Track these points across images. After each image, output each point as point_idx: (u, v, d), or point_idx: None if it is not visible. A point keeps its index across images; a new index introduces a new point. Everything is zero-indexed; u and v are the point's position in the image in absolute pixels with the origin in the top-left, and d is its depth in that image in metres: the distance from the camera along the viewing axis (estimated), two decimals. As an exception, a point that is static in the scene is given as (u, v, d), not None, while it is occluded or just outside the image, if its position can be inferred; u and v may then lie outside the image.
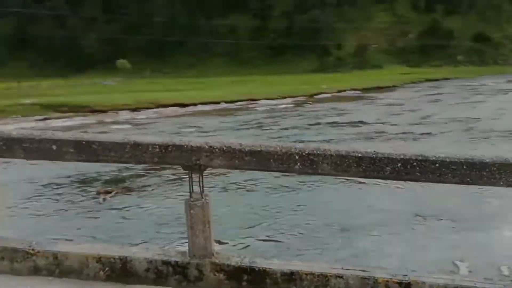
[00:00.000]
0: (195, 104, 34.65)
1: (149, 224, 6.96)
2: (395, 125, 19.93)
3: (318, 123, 21.76)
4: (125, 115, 28.53)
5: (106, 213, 7.56)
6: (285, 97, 38.27)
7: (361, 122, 21.37)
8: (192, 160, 2.48)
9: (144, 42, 79.17)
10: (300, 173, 2.60)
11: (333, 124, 21.38)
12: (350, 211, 7.44)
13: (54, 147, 2.48)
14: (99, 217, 7.38)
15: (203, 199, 2.47)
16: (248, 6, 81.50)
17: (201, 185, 2.48)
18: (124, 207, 7.79)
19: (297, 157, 2.39)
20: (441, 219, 6.89)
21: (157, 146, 2.49)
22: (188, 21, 78.14)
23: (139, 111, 30.19)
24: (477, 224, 6.59)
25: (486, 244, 5.85)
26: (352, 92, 43.25)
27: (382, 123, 20.86)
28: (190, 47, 78.74)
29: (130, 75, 65.68)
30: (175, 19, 78.46)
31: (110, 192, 7.83)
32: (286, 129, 20.37)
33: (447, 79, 56.31)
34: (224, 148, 2.50)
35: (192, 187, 2.49)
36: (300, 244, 6.04)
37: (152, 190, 9.06)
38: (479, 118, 20.47)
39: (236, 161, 2.49)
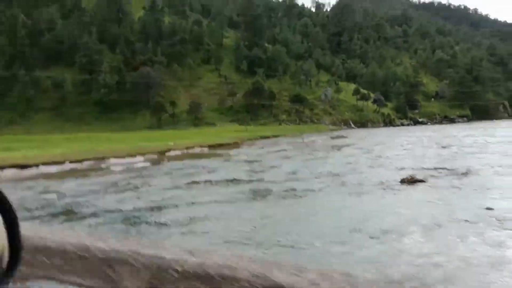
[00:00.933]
0: (36, 165, 30.45)
1: None
2: (273, 181, 20.76)
3: (196, 182, 21.29)
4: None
5: None
6: (134, 155, 36.51)
7: (235, 179, 21.65)
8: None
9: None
10: None
11: (211, 182, 21.18)
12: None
13: None
14: None
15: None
16: (73, 59, 77.00)
17: None
18: None
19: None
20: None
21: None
22: (6, 72, 69.72)
23: (-33, 176, 25.15)
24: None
25: None
26: (200, 149, 43.78)
27: (258, 180, 21.49)
28: (9, 102, 69.82)
29: None
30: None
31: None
32: (168, 189, 19.41)
33: (276, 136, 61.63)
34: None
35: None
36: None
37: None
38: (339, 173, 22.72)
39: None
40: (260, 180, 21.33)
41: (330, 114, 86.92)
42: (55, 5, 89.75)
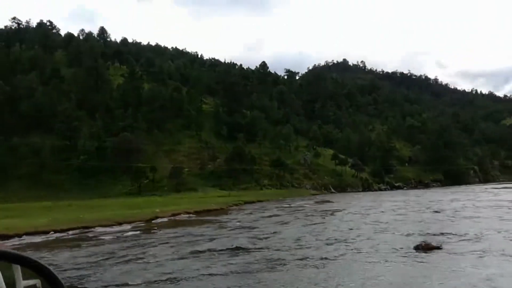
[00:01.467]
0: (19, 235, 28.58)
1: None
2: (282, 249, 19.83)
3: (199, 251, 20.19)
4: None
5: None
6: (121, 223, 34.94)
7: (240, 248, 20.64)
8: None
9: None
10: None
11: (216, 251, 20.10)
12: None
13: None
14: None
15: None
16: (52, 125, 75.61)
17: None
18: None
19: None
20: None
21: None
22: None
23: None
24: None
25: None
26: (187, 215, 42.43)
27: (266, 248, 20.51)
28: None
29: None
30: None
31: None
32: (173, 259, 18.24)
33: (260, 201, 60.80)
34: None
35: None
36: None
37: None
38: (347, 239, 22.04)
39: None
40: (268, 248, 20.41)
41: (310, 178, 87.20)
42: (34, 72, 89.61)
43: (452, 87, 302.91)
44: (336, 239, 22.04)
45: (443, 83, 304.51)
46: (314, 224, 30.11)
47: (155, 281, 14.38)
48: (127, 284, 14.52)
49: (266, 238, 23.88)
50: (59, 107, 75.62)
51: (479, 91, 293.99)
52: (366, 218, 32.17)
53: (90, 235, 29.35)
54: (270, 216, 37.72)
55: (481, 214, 30.84)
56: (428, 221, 28.73)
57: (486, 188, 79.56)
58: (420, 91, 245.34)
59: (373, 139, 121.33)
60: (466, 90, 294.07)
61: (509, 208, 35.09)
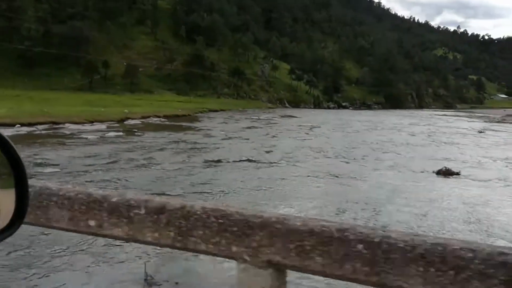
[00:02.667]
0: (-21, 126, 24.97)
1: None
2: (308, 161, 18.79)
3: (215, 160, 18.60)
4: None
5: None
6: (92, 122, 31.92)
7: (254, 160, 19.35)
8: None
9: None
10: None
11: (236, 162, 18.58)
12: None
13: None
14: None
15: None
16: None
17: None
18: None
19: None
20: None
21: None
22: None
23: None
24: None
25: None
26: (157, 119, 39.89)
27: (290, 160, 19.40)
28: None
29: None
30: None
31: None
32: (195, 167, 16.52)
33: (223, 110, 58.96)
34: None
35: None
36: None
37: None
38: (365, 158, 21.35)
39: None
40: (288, 161, 19.31)
41: (267, 91, 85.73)
42: None
43: (393, 12, 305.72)
44: (345, 158, 21.44)
45: (385, 8, 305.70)
46: (306, 139, 29.27)
47: (198, 192, 12.67)
48: (164, 193, 12.67)
49: (270, 151, 22.58)
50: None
51: (416, 19, 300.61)
52: (351, 138, 31.73)
53: (66, 132, 26.38)
54: (249, 128, 36.33)
55: (458, 141, 31.41)
56: (416, 144, 28.66)
57: (430, 115, 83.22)
58: (364, 13, 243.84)
59: (326, 57, 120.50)
60: (406, 17, 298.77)
61: (475, 136, 36.38)
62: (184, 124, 37.04)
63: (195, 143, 24.57)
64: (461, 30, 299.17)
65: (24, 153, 18.11)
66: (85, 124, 30.75)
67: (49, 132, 25.78)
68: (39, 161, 16.58)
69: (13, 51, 62.08)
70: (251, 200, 11.57)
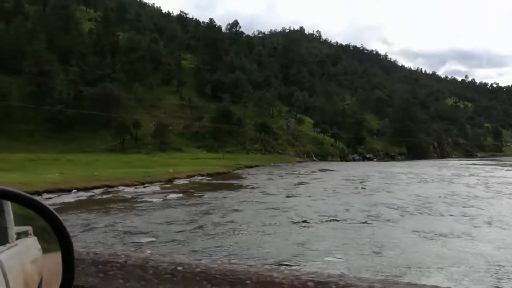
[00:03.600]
0: (39, 193, 23.88)
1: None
2: (402, 222, 17.22)
3: (295, 221, 17.15)
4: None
5: None
6: (143, 184, 30.76)
7: (337, 219, 17.88)
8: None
9: None
10: None
11: (319, 221, 17.11)
12: None
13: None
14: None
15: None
16: (18, 67, 66.96)
17: None
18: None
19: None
20: None
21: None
22: None
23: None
24: None
25: None
26: (201, 177, 38.71)
27: (377, 217, 17.92)
28: None
29: None
30: None
31: None
32: (282, 226, 15.01)
33: (257, 166, 57.85)
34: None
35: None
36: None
37: None
38: (458, 213, 19.77)
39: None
40: (382, 219, 17.82)
41: (293, 145, 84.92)
42: (-6, 6, 79.19)
43: (400, 64, 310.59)
44: (430, 213, 19.96)
45: (392, 60, 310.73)
46: (370, 195, 27.68)
47: (309, 259, 11.25)
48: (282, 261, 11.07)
49: (346, 209, 21.04)
50: (28, 48, 66.87)
51: (423, 70, 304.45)
52: (412, 191, 29.97)
53: (126, 195, 25.15)
54: (301, 183, 34.81)
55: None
56: (485, 197, 26.87)
57: (461, 165, 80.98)
58: (371, 66, 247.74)
59: (346, 110, 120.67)
60: (412, 68, 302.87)
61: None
62: (232, 182, 35.75)
63: (262, 202, 23.21)
64: (469, 79, 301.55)
65: (104, 221, 16.83)
66: (137, 186, 29.56)
67: (109, 196, 24.57)
68: (126, 229, 15.30)
69: (43, 114, 62.51)
70: (396, 270, 10.09)
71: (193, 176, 38.61)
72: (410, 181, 40.01)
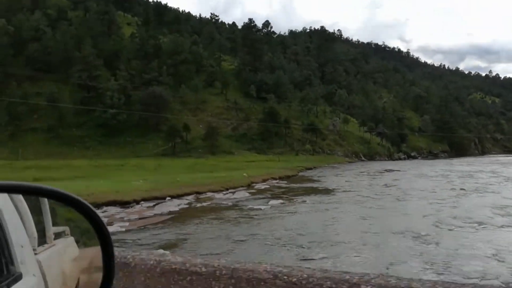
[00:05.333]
0: (137, 201, 22.62)
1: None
2: None
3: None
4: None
5: None
6: (227, 189, 29.26)
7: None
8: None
9: None
10: None
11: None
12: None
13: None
14: None
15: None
16: (66, 74, 66.77)
17: None
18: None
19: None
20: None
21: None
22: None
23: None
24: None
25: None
26: (275, 181, 37.09)
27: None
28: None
29: None
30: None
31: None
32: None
33: (314, 167, 55.96)
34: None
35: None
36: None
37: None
38: None
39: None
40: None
41: (341, 145, 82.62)
42: (38, 12, 79.20)
43: (423, 61, 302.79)
44: None
45: (414, 57, 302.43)
46: (480, 196, 25.52)
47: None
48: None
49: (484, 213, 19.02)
50: (76, 53, 66.59)
51: (446, 66, 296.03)
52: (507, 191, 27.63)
53: (224, 202, 23.63)
54: (390, 185, 32.66)
55: None
56: None
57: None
58: (394, 63, 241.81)
59: (386, 108, 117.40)
60: (435, 65, 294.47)
61: None
62: (312, 185, 34.04)
63: (382, 207, 21.44)
64: (493, 74, 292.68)
65: (240, 231, 15.22)
66: (224, 192, 28.09)
67: (209, 204, 23.08)
68: (279, 242, 13.61)
69: (95, 119, 62.07)
70: None
71: (267, 179, 37.04)
72: (494, 180, 37.44)
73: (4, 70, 63.49)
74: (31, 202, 0.98)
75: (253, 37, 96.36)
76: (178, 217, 18.88)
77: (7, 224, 0.93)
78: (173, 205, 22.00)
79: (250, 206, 21.86)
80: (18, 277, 0.92)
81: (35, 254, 0.98)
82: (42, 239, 1.00)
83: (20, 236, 0.96)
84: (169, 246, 13.39)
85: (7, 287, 0.88)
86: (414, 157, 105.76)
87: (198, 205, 22.70)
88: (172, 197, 24.81)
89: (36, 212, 0.99)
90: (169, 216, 19.15)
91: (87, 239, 0.98)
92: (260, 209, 21.13)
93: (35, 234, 0.99)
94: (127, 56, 74.93)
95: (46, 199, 1.00)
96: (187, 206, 22.28)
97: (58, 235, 1.02)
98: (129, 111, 60.98)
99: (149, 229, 16.46)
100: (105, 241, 0.92)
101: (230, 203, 23.17)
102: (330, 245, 13.53)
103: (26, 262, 0.95)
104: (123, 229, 16.13)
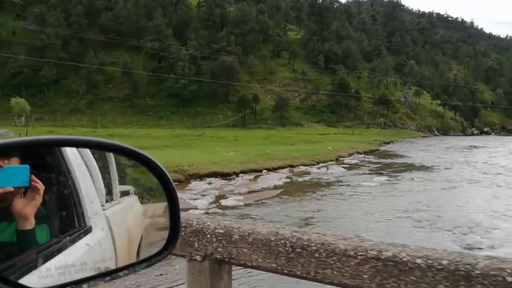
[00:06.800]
0: (237, 174, 22.07)
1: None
2: None
3: None
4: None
5: None
6: (318, 163, 28.19)
7: None
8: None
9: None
10: None
11: None
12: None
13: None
14: None
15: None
16: (138, 43, 67.48)
17: None
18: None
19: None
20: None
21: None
22: (65, 54, 60.28)
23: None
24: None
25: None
26: (361, 155, 35.63)
27: None
28: (72, 88, 60.16)
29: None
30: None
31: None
32: None
33: (391, 142, 53.64)
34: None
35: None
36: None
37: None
38: None
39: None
40: None
41: (413, 118, 79.01)
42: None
43: (488, 32, 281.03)
44: None
45: (479, 27, 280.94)
46: None
47: None
48: None
49: None
50: (148, 23, 66.98)
51: None
52: None
53: (325, 178, 22.58)
54: (488, 163, 30.35)
55: None
56: None
57: None
58: (458, 34, 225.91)
59: (458, 80, 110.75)
60: (501, 36, 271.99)
61: None
62: (400, 160, 32.18)
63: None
64: None
65: (367, 209, 14.10)
66: (315, 166, 27.04)
67: (310, 178, 22.06)
68: (440, 221, 12.35)
69: (167, 89, 62.58)
70: None
71: (353, 154, 35.67)
72: None
73: (80, 39, 65.02)
74: (99, 159, 1.04)
75: (321, 5, 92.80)
76: (287, 192, 18.02)
77: (78, 179, 0.99)
78: (274, 179, 21.18)
79: (357, 183, 20.65)
80: (88, 230, 1.00)
81: (103, 209, 1.06)
82: (108, 196, 1.07)
83: (90, 192, 1.02)
84: (305, 223, 12.56)
85: (79, 238, 0.95)
86: (487, 133, 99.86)
87: (300, 179, 21.78)
88: (268, 170, 24.13)
89: (104, 169, 1.04)
90: (279, 191, 18.32)
91: (151, 197, 1.03)
92: (370, 186, 19.88)
93: (103, 191, 1.06)
94: (195, 26, 74.49)
95: (113, 158, 1.04)
96: (288, 180, 21.39)
97: (123, 193, 1.08)
98: (195, 83, 60.63)
99: (268, 204, 15.69)
100: (172, 198, 0.94)
101: (332, 179, 22.05)
102: (485, 231, 12.16)
103: (96, 217, 1.02)
104: (241, 203, 15.46)
